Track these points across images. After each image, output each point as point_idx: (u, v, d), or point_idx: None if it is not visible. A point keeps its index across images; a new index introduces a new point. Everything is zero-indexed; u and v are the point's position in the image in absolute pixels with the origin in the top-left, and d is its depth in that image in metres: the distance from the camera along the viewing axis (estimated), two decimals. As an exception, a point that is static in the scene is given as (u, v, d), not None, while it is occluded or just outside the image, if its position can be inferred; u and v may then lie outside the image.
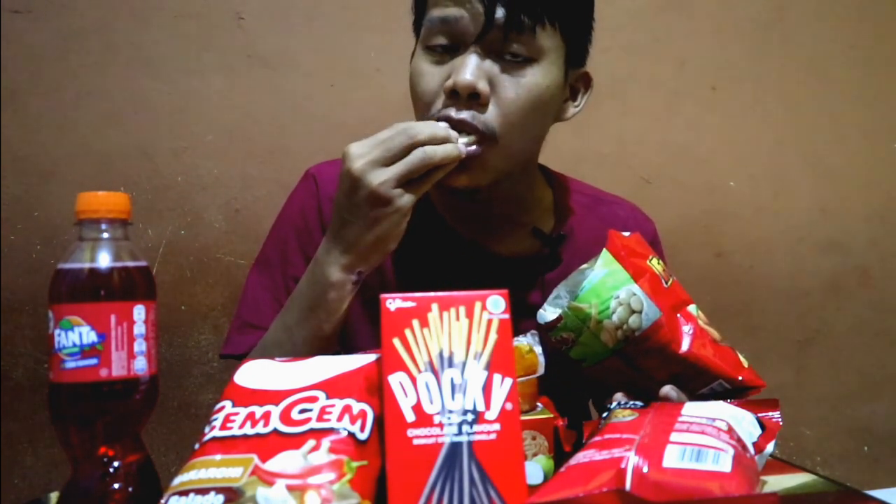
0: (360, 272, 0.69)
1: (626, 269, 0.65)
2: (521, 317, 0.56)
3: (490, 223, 0.84)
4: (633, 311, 0.63)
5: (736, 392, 0.65)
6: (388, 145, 0.64)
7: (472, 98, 0.69)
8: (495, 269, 0.83)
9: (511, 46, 0.70)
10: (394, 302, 0.47)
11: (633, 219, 0.93)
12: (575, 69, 0.80)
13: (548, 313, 0.66)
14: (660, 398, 0.63)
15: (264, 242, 0.89)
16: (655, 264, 0.68)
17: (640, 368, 0.65)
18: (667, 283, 0.67)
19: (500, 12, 0.69)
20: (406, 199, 0.65)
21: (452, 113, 0.69)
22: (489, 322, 0.47)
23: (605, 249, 0.67)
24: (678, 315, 0.66)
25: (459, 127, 0.69)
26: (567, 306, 0.64)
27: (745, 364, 0.66)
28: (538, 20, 0.70)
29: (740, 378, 0.64)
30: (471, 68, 0.69)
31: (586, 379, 0.82)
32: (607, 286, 0.64)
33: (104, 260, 0.48)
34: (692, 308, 0.68)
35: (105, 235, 0.49)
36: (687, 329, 0.65)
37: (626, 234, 0.70)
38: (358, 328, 0.82)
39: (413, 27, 0.81)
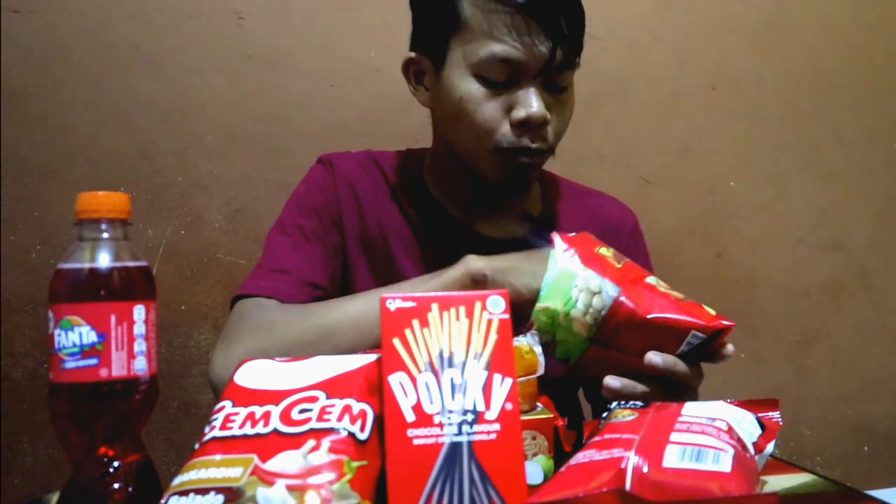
0: (485, 277, 0.70)
1: (575, 258, 0.68)
2: None
3: (483, 207, 0.90)
4: (593, 294, 0.65)
5: (712, 338, 0.66)
6: None
7: (539, 127, 0.78)
8: (485, 251, 0.85)
9: (561, 78, 0.79)
10: (394, 302, 0.47)
11: (617, 210, 0.98)
12: None
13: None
14: (645, 367, 0.64)
15: (281, 215, 0.90)
16: (604, 251, 0.71)
17: (619, 348, 0.66)
18: (619, 263, 0.70)
19: (559, 53, 0.76)
20: None
21: (529, 143, 0.78)
22: (489, 322, 0.47)
23: (552, 251, 0.69)
24: (637, 287, 0.67)
25: (536, 153, 0.79)
26: (535, 311, 0.67)
27: (712, 312, 0.67)
28: (579, 55, 0.80)
29: (708, 324, 0.65)
30: (539, 101, 0.77)
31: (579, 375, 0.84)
32: (564, 278, 0.66)
33: (104, 260, 0.48)
34: (651, 279, 0.70)
35: (105, 235, 0.49)
36: (647, 296, 0.66)
37: (572, 234, 0.73)
38: (359, 279, 0.88)
39: (420, 37, 0.84)
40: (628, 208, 0.99)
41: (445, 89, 0.80)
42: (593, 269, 0.66)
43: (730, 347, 0.67)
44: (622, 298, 0.65)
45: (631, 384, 0.65)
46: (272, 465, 0.41)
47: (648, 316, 0.65)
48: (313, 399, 0.46)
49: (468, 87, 0.78)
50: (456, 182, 0.89)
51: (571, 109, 0.83)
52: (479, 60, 0.76)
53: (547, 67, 0.76)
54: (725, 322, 0.66)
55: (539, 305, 0.66)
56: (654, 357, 0.64)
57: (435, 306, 0.47)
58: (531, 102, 0.76)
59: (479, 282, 0.70)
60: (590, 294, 0.65)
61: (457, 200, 0.91)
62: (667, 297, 0.67)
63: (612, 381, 0.66)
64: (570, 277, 0.66)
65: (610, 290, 0.65)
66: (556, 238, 0.71)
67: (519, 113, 0.77)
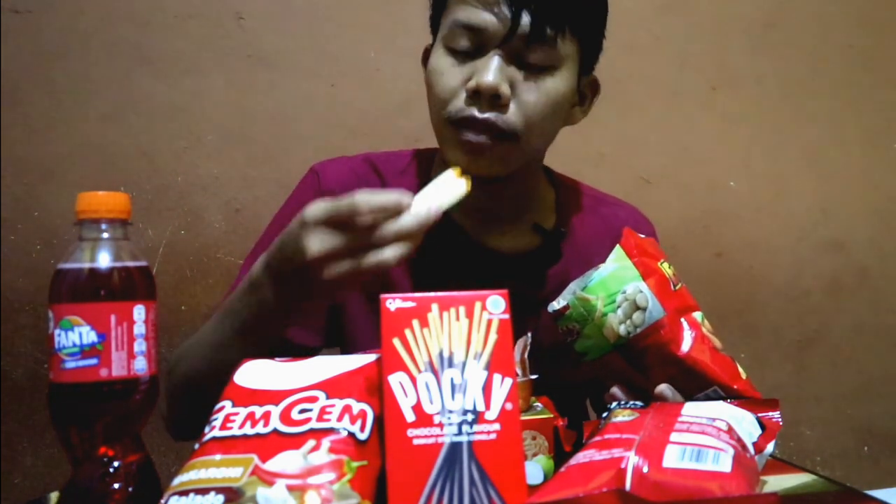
0: (259, 280, 0.65)
1: (636, 266, 0.66)
2: (521, 312, 0.56)
3: (493, 219, 0.85)
4: (637, 308, 0.64)
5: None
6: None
7: (493, 99, 0.71)
8: (496, 265, 0.83)
9: (533, 54, 0.72)
10: (394, 302, 0.47)
11: (634, 220, 0.94)
12: (586, 75, 0.82)
13: (557, 302, 0.68)
14: (655, 396, 0.63)
15: (264, 232, 0.89)
16: (666, 268, 0.69)
17: (640, 366, 0.65)
18: (675, 286, 0.68)
19: (525, 20, 0.70)
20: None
21: (476, 112, 0.71)
22: (489, 322, 0.47)
23: (618, 245, 0.68)
24: (682, 319, 0.66)
25: (483, 126, 0.71)
26: (575, 296, 0.66)
27: (744, 375, 0.66)
28: (560, 30, 0.72)
29: (735, 387, 0.64)
30: (494, 70, 0.70)
31: (586, 377, 0.83)
32: (616, 280, 0.65)
33: (104, 260, 0.48)
34: (697, 315, 0.68)
35: (105, 235, 0.49)
36: (689, 332, 0.65)
37: (643, 235, 0.71)
38: (362, 330, 0.83)
39: (430, 23, 0.81)
40: (646, 218, 0.96)
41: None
42: (649, 283, 0.65)
43: None
44: (663, 324, 0.63)
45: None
46: (272, 465, 0.41)
47: (680, 353, 0.63)
48: (313, 399, 0.46)
49: (436, 60, 0.75)
50: None
51: (551, 96, 0.74)
52: (447, 31, 0.74)
53: (510, 35, 0.70)
54: (752, 392, 0.65)
55: (580, 294, 0.65)
56: (666, 391, 0.63)
57: (435, 306, 0.47)
58: (484, 70, 0.71)
59: (255, 285, 0.64)
60: (633, 307, 0.64)
61: (465, 209, 0.83)
62: (706, 342, 0.66)
63: (618, 392, 0.65)
64: (622, 281, 0.65)
65: (655, 311, 0.63)
66: (626, 234, 0.69)
67: (471, 82, 0.71)
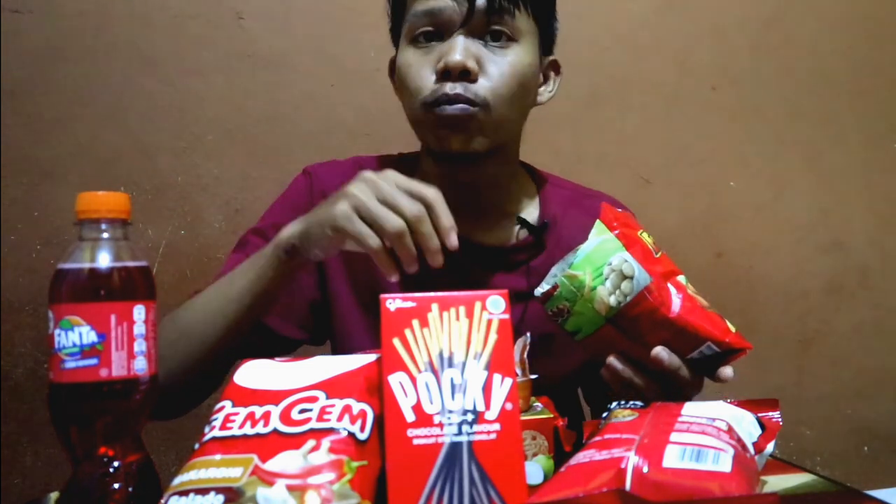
0: (294, 246, 0.69)
1: (618, 238, 0.68)
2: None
3: (476, 212, 0.87)
4: (624, 277, 0.65)
5: (724, 355, 0.66)
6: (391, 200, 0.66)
7: (462, 75, 0.76)
8: (481, 258, 0.85)
9: (493, 29, 0.78)
10: (394, 302, 0.47)
11: None
12: (545, 56, 0.87)
13: (543, 286, 0.68)
14: (651, 360, 0.64)
15: (258, 223, 0.89)
16: (646, 237, 0.70)
17: (633, 335, 0.66)
18: (657, 253, 0.70)
19: (480, 1, 0.76)
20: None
21: (447, 89, 0.76)
22: (489, 322, 0.47)
23: (598, 220, 0.70)
24: (668, 283, 0.67)
25: (455, 99, 0.75)
26: (562, 274, 0.66)
27: (733, 329, 0.68)
28: (515, 3, 0.79)
29: (727, 340, 0.65)
30: (460, 49, 0.76)
31: (577, 363, 0.83)
32: (600, 253, 0.66)
33: (104, 260, 0.48)
34: (681, 278, 0.70)
35: (105, 235, 0.49)
36: (676, 295, 0.66)
37: (619, 209, 0.72)
38: (353, 328, 0.83)
39: (391, 33, 0.86)
40: (625, 208, 0.96)
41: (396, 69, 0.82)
42: (633, 252, 0.66)
43: (728, 371, 0.66)
44: (651, 290, 0.65)
45: (630, 371, 0.65)
46: (272, 465, 0.41)
47: (671, 315, 0.64)
48: (313, 399, 0.46)
49: (404, 56, 0.81)
50: (439, 185, 0.85)
51: (516, 67, 0.79)
52: (409, 25, 0.79)
53: (469, 16, 0.77)
54: (743, 343, 0.66)
55: (567, 272, 0.66)
56: (662, 353, 0.64)
57: (435, 306, 0.47)
58: (450, 50, 0.76)
59: (290, 251, 0.69)
60: (621, 276, 0.65)
61: (448, 205, 0.88)
62: (693, 301, 0.67)
63: (615, 361, 0.66)
64: (607, 254, 0.66)
65: (642, 278, 0.64)
66: (604, 209, 0.71)
67: (440, 63, 0.77)
